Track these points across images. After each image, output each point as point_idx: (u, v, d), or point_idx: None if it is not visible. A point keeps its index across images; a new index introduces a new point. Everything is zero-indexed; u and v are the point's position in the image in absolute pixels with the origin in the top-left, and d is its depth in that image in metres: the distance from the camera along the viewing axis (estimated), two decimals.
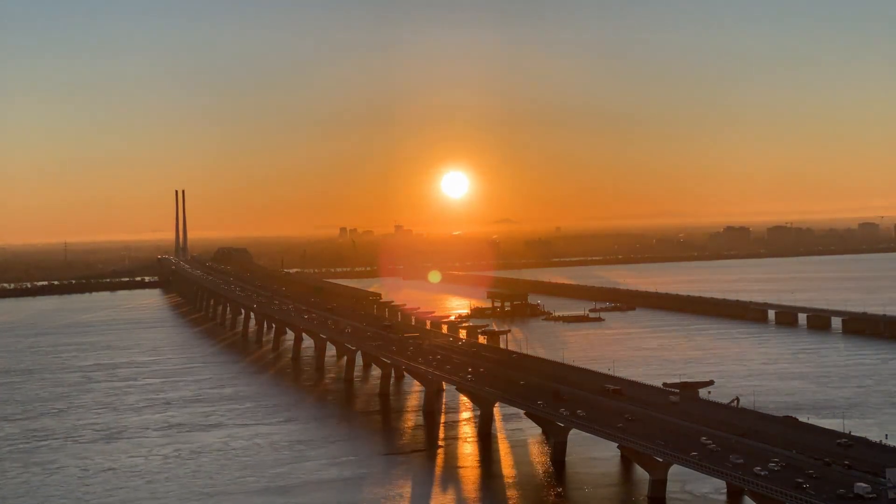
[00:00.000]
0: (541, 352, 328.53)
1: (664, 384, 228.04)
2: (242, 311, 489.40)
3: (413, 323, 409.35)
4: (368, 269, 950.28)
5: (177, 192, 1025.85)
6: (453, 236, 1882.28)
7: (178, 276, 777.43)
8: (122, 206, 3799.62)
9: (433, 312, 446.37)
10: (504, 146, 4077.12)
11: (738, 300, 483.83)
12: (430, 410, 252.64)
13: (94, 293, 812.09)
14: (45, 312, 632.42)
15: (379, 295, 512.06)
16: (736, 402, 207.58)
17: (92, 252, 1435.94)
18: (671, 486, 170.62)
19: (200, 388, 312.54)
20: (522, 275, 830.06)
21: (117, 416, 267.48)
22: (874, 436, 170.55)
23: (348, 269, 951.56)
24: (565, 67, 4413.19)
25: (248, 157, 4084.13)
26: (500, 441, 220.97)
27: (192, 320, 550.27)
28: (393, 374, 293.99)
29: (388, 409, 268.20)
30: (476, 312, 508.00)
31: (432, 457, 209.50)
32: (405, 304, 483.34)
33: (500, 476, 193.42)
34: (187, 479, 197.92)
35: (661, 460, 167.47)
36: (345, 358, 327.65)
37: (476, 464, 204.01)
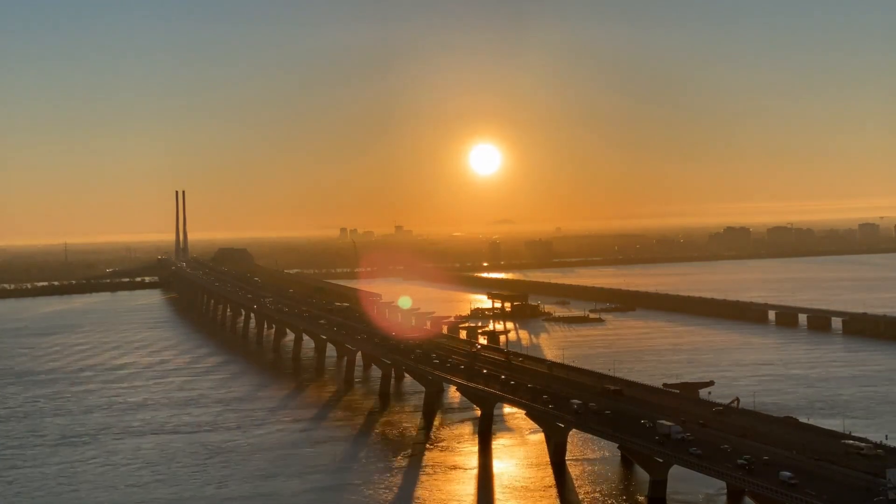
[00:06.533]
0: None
1: (664, 384, 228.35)
2: (242, 311, 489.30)
3: (413, 323, 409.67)
4: (368, 269, 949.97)
5: (177, 192, 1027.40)
6: (453, 237, 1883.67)
7: (179, 277, 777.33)
8: (122, 206, 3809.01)
9: (433, 313, 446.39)
10: (504, 146, 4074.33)
11: (738, 301, 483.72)
12: (430, 411, 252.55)
13: (94, 294, 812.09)
14: (45, 313, 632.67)
15: (380, 295, 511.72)
16: (736, 402, 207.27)
17: (92, 252, 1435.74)
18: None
19: (200, 388, 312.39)
20: (522, 275, 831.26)
21: (117, 417, 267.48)
22: (875, 436, 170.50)
23: (348, 270, 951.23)
24: (565, 68, 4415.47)
25: (248, 157, 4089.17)
26: (500, 441, 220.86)
27: (192, 321, 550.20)
28: (393, 374, 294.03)
29: (388, 409, 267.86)
30: (476, 313, 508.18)
31: (431, 457, 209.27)
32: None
33: (500, 477, 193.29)
34: (185, 479, 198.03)
35: (661, 461, 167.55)
36: (345, 359, 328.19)
37: (476, 464, 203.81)
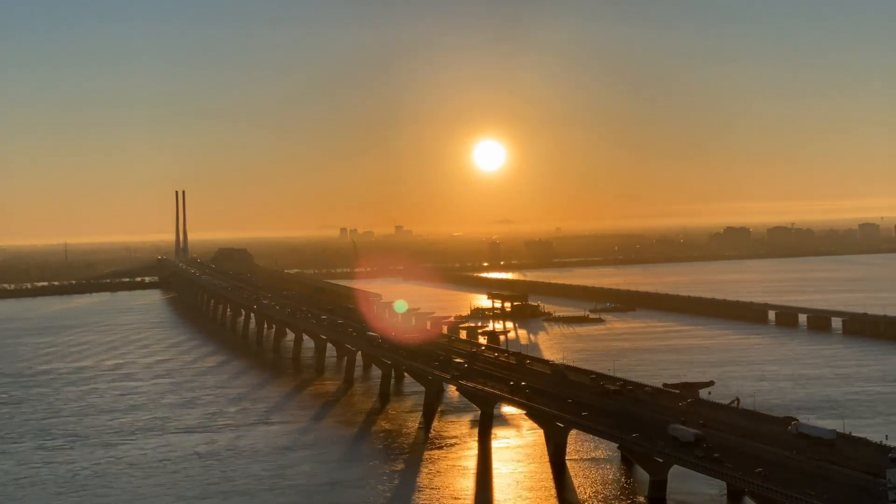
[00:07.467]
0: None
1: (664, 385, 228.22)
2: (242, 311, 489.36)
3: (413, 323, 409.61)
4: (368, 269, 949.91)
5: (177, 192, 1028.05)
6: (453, 237, 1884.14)
7: (179, 277, 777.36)
8: (122, 206, 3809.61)
9: (433, 313, 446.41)
10: (505, 143, 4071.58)
11: (738, 300, 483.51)
12: (430, 410, 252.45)
13: (94, 294, 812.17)
14: (45, 314, 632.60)
15: (380, 296, 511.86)
16: (736, 402, 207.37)
17: (92, 252, 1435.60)
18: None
19: (199, 389, 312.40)
20: (522, 275, 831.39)
21: (118, 417, 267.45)
22: (875, 436, 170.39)
23: (348, 270, 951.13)
24: (566, 68, 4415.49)
25: (248, 157, 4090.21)
26: (499, 441, 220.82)
27: (192, 321, 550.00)
28: (393, 374, 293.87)
29: (388, 408, 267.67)
30: (476, 313, 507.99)
31: (431, 457, 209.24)
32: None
33: (500, 477, 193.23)
34: (185, 481, 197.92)
35: (661, 461, 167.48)
36: (345, 359, 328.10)
37: (475, 464, 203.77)
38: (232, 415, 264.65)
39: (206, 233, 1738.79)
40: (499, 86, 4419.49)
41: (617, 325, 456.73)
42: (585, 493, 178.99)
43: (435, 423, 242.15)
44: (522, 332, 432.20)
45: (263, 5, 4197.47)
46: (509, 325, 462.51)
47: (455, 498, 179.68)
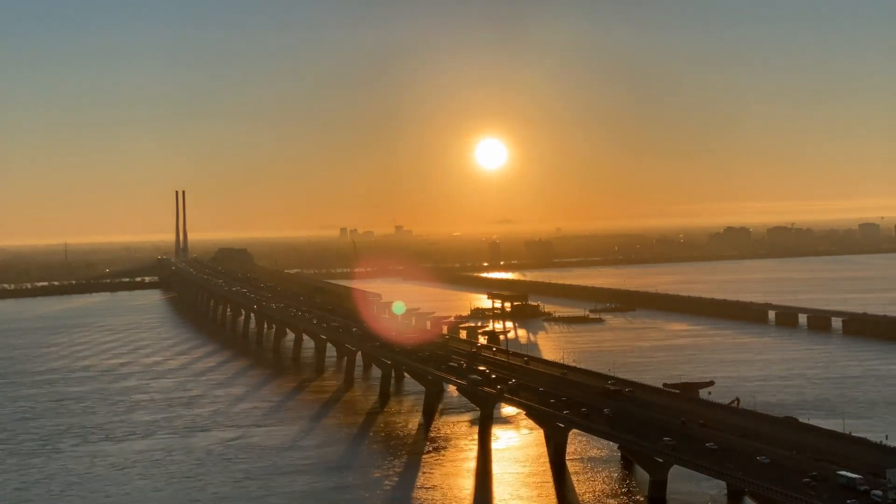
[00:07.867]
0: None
1: (664, 384, 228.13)
2: (242, 311, 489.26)
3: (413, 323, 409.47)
4: (368, 269, 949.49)
5: (177, 192, 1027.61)
6: (453, 237, 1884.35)
7: (179, 277, 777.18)
8: (122, 206, 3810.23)
9: (433, 313, 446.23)
10: (506, 143, 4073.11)
11: (738, 300, 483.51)
12: (430, 410, 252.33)
13: (94, 294, 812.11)
14: (45, 314, 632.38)
15: (380, 296, 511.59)
16: (736, 402, 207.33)
17: (92, 252, 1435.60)
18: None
19: (199, 388, 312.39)
20: (522, 275, 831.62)
21: (118, 417, 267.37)
22: (875, 436, 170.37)
23: (348, 270, 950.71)
24: (566, 68, 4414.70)
25: (248, 157, 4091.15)
26: (499, 442, 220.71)
27: (192, 321, 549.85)
28: (393, 374, 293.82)
29: (388, 408, 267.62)
30: (476, 313, 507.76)
31: (431, 457, 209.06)
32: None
33: (500, 477, 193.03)
34: (185, 482, 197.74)
35: (661, 461, 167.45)
36: (345, 359, 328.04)
37: (475, 464, 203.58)
38: (230, 415, 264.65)
39: (206, 233, 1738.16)
40: (499, 86, 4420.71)
41: (616, 324, 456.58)
42: (585, 493, 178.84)
43: (435, 423, 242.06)
44: (522, 332, 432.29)
45: (264, 6, 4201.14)
46: (509, 325, 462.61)
47: (455, 498, 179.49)
